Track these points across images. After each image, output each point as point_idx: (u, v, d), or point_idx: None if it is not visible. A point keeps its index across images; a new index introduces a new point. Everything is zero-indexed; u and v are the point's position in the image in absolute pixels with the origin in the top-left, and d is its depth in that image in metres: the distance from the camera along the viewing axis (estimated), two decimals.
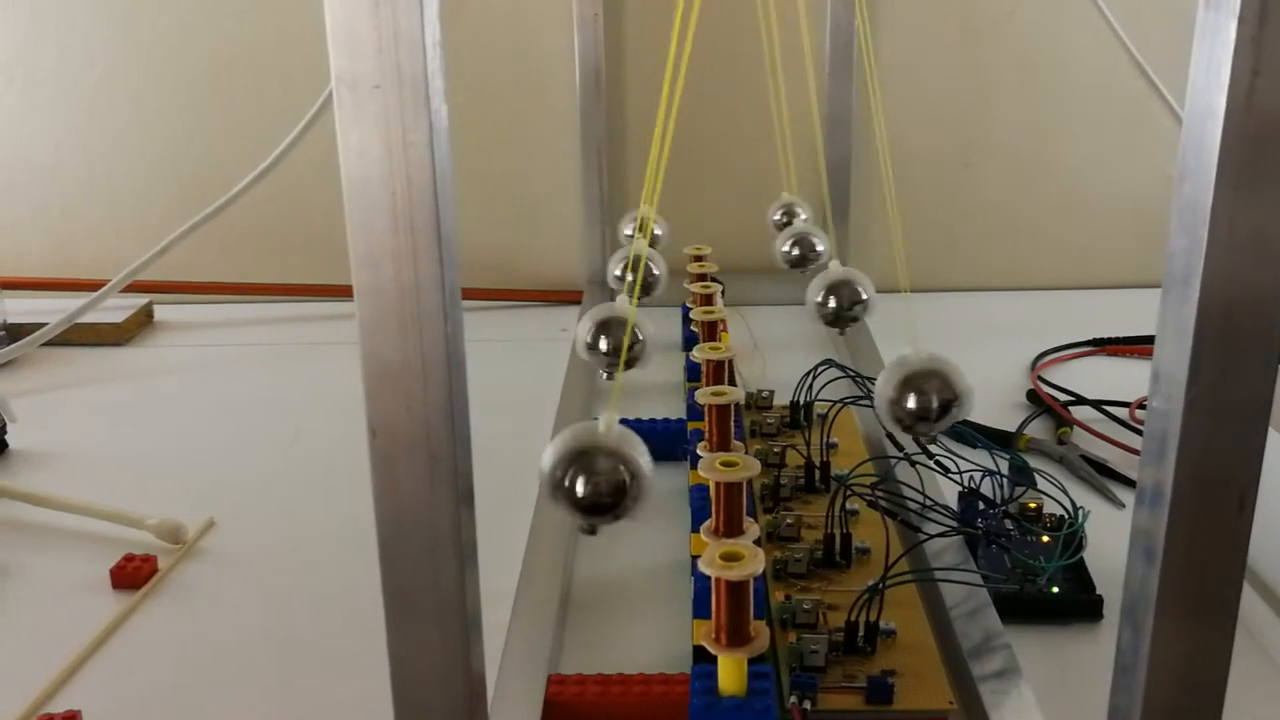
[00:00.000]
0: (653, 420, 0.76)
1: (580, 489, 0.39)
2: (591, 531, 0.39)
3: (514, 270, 1.11)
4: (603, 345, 0.54)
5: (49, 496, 0.71)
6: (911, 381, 0.48)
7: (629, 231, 0.87)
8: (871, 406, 0.70)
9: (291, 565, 0.66)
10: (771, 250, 0.79)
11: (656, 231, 0.84)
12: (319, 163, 0.89)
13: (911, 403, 0.48)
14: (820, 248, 0.77)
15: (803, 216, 0.84)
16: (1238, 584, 0.36)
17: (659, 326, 0.64)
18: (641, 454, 0.39)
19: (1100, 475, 0.72)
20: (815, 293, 0.63)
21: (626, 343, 0.52)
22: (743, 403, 0.76)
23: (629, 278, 0.68)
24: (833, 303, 0.62)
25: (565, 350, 0.92)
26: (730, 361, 0.70)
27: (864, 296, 0.62)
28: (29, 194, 1.10)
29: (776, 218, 0.86)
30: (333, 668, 0.57)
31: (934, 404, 0.47)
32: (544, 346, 0.97)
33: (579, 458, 0.39)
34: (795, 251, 0.77)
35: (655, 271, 0.68)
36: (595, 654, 0.57)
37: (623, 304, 0.56)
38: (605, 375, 0.54)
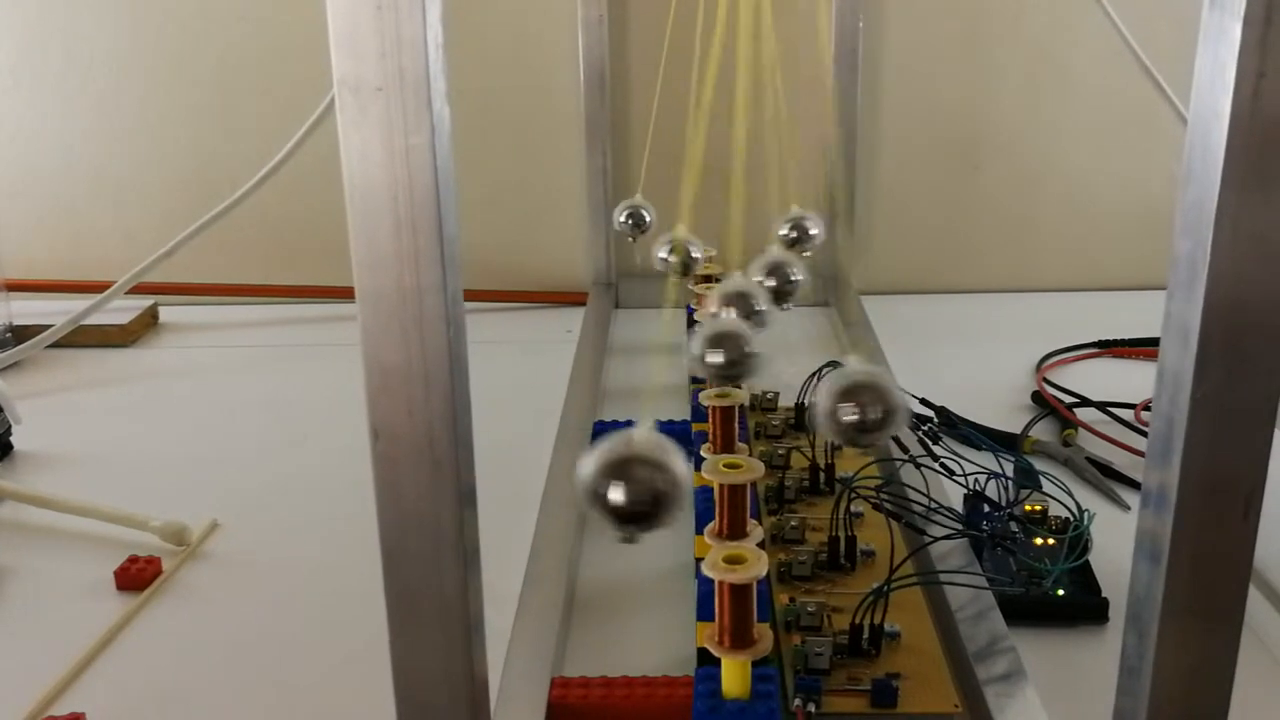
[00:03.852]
0: (656, 422, 0.76)
1: (619, 498, 0.38)
2: (630, 541, 0.39)
3: (519, 272, 1.11)
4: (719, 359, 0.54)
5: (54, 498, 0.71)
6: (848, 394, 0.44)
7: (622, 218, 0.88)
8: None
9: (295, 567, 0.66)
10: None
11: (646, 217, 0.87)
12: (323, 165, 0.89)
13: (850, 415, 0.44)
14: (814, 231, 0.77)
15: (813, 231, 0.81)
16: (1243, 587, 0.36)
17: (663, 328, 0.64)
18: (678, 460, 0.39)
19: (1105, 477, 0.72)
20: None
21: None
22: (747, 405, 0.76)
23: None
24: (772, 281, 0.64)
25: (570, 351, 0.92)
26: None
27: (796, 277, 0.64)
28: (35, 197, 1.10)
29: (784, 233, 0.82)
30: (336, 670, 0.57)
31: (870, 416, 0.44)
32: (549, 348, 0.97)
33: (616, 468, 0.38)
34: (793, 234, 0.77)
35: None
36: (599, 656, 0.57)
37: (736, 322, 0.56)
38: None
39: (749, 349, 0.54)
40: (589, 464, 0.38)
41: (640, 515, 0.38)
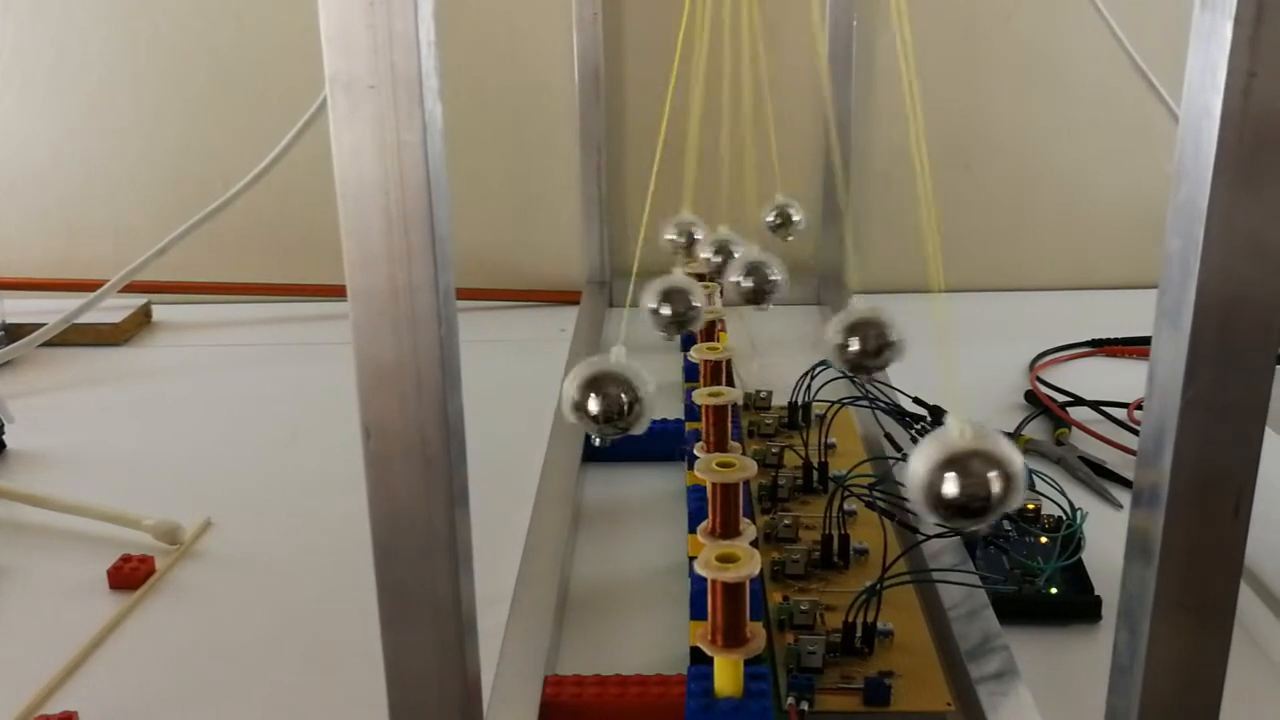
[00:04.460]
0: (650, 420, 0.76)
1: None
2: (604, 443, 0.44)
3: (513, 270, 1.11)
4: (592, 407, 0.44)
5: (46, 497, 0.71)
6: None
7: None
8: (870, 407, 0.71)
9: (288, 566, 0.66)
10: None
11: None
12: (317, 163, 0.89)
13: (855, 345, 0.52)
14: (796, 217, 0.79)
15: (797, 219, 0.83)
16: (1235, 584, 0.36)
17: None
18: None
19: (1098, 476, 0.72)
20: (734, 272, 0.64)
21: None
22: (740, 403, 0.76)
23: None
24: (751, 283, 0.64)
25: (564, 350, 0.92)
26: (728, 362, 0.70)
27: (775, 277, 0.63)
28: (28, 195, 1.10)
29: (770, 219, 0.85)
30: (329, 669, 0.57)
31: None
32: (543, 347, 0.97)
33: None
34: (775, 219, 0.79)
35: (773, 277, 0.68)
36: (592, 655, 0.57)
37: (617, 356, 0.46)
38: (596, 442, 0.46)
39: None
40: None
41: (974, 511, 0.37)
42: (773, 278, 0.63)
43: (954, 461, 0.36)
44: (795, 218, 0.82)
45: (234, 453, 0.80)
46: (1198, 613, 0.36)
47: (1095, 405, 0.81)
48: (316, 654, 0.58)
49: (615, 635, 0.59)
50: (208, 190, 0.99)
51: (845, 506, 0.61)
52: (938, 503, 0.36)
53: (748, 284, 0.63)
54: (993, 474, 0.36)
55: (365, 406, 0.35)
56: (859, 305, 0.55)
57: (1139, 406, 0.80)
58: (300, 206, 1.07)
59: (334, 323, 1.04)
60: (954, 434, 0.36)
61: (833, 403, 0.70)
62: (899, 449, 0.67)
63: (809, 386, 0.73)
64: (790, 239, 0.79)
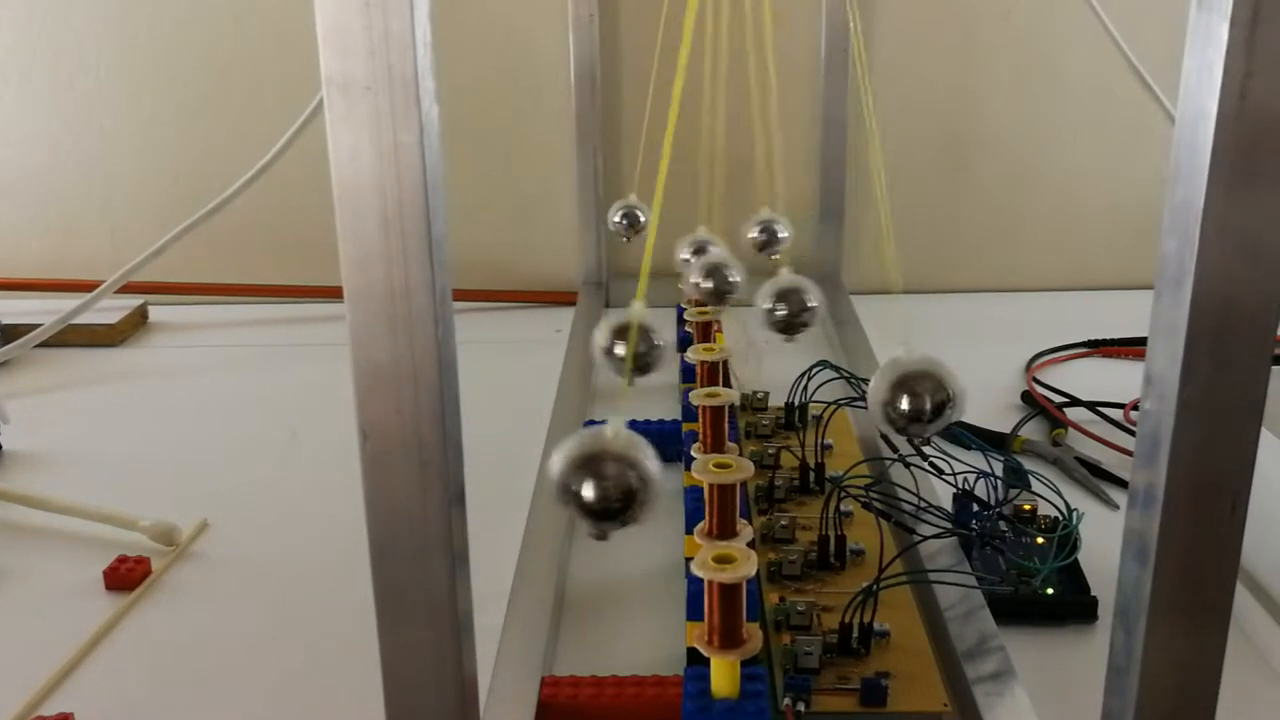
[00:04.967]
0: (647, 421, 0.76)
1: (590, 494, 0.38)
2: (602, 537, 0.39)
3: (509, 271, 1.11)
4: (619, 350, 0.52)
5: (42, 498, 0.70)
6: (905, 383, 0.45)
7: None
8: (867, 408, 0.71)
9: (285, 567, 0.66)
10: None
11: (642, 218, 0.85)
12: (313, 164, 0.89)
13: (905, 404, 0.45)
14: (734, 279, 0.67)
15: (780, 227, 0.78)
16: (1230, 585, 0.36)
17: (656, 326, 0.64)
18: (649, 458, 0.39)
19: (1094, 477, 0.72)
20: (764, 298, 0.60)
21: (632, 348, 0.51)
22: (737, 404, 0.76)
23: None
24: (782, 310, 0.59)
25: (560, 351, 0.92)
26: (725, 363, 0.70)
27: (812, 304, 0.59)
28: (24, 195, 1.10)
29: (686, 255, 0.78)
30: (325, 670, 0.57)
31: (927, 405, 0.45)
32: (539, 348, 0.97)
33: (587, 463, 0.38)
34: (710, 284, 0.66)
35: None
36: (589, 656, 0.57)
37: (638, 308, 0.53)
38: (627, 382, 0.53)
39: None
40: (559, 459, 0.38)
41: (611, 512, 0.38)
42: (733, 279, 0.63)
43: (593, 460, 0.36)
44: (781, 234, 0.77)
45: (230, 454, 0.80)
46: (1194, 613, 0.37)
47: (1091, 406, 0.81)
48: (313, 655, 0.58)
49: (612, 636, 0.59)
50: (204, 191, 0.99)
51: (842, 507, 0.61)
52: (571, 498, 0.37)
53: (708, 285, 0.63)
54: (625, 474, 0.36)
55: (362, 407, 0.35)
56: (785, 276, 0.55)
57: (1135, 407, 0.80)
58: (297, 207, 1.07)
59: (331, 324, 1.04)
60: (605, 433, 0.37)
61: (829, 404, 0.70)
62: (895, 450, 0.67)
63: (805, 387, 0.73)
64: (776, 257, 0.76)
